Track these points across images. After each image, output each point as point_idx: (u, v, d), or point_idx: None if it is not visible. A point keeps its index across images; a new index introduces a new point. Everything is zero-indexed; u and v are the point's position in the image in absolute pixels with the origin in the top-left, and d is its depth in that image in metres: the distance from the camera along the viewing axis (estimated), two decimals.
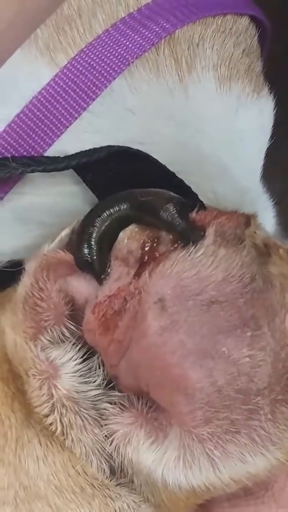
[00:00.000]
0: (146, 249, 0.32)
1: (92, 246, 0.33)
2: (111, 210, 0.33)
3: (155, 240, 0.32)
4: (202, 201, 0.41)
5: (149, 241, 0.32)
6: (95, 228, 0.33)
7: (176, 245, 0.31)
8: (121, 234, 0.33)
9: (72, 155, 0.40)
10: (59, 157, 0.40)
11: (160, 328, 0.29)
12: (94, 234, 0.33)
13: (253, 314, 0.28)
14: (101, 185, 0.41)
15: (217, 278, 0.28)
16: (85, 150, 0.40)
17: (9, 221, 0.41)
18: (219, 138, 0.43)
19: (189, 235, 0.30)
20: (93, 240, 0.33)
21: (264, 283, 0.28)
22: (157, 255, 0.31)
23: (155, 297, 0.29)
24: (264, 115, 0.46)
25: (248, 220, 0.30)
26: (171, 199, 0.31)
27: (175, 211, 0.30)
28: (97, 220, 0.33)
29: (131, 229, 0.32)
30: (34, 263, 0.34)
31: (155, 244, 0.31)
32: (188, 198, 0.41)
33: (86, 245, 0.33)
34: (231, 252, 0.29)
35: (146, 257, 0.32)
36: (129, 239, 0.32)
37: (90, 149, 0.40)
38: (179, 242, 0.30)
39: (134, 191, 0.32)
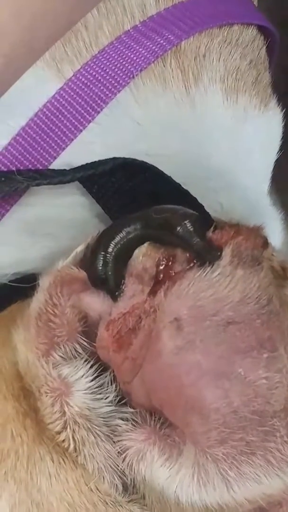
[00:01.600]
0: (161, 267, 0.32)
1: (107, 263, 0.33)
2: (127, 227, 0.33)
3: (171, 258, 0.32)
4: (208, 213, 0.42)
5: (164, 259, 0.32)
6: (111, 245, 0.33)
7: (192, 264, 0.31)
8: (136, 252, 0.33)
9: (78, 167, 0.40)
10: (64, 169, 0.40)
11: (175, 348, 0.29)
12: (110, 251, 0.33)
13: (269, 336, 0.28)
14: (107, 196, 0.42)
15: (234, 299, 0.29)
16: (91, 162, 0.41)
17: (15, 232, 0.42)
18: (226, 150, 0.44)
19: (206, 255, 0.30)
20: (108, 257, 0.33)
21: (280, 306, 0.29)
22: (173, 273, 0.31)
23: (171, 316, 0.30)
24: (272, 126, 0.46)
25: (265, 241, 0.30)
26: (189, 216, 0.31)
27: (192, 228, 0.30)
28: (113, 237, 0.33)
29: (147, 246, 0.33)
30: (48, 279, 0.34)
31: (170, 263, 0.32)
32: (194, 210, 0.42)
33: (101, 262, 0.33)
34: (248, 273, 0.29)
35: (161, 275, 0.32)
36: (144, 256, 0.32)
37: (95, 161, 0.41)
38: (195, 261, 0.31)
39: (150, 209, 0.33)
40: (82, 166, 0.40)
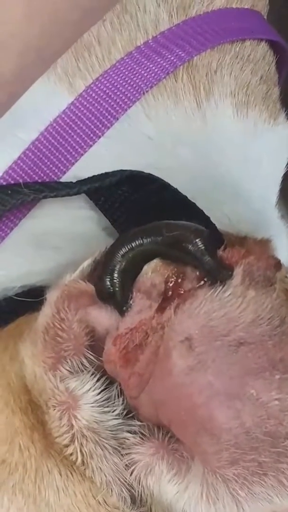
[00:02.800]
0: (170, 284, 0.31)
1: (115, 277, 0.32)
2: (137, 242, 0.32)
3: (180, 275, 0.31)
4: (214, 224, 0.41)
5: (173, 276, 0.31)
6: (119, 259, 0.32)
7: (202, 282, 0.30)
8: (145, 267, 0.32)
9: (84, 179, 0.40)
10: (71, 182, 0.40)
11: (187, 368, 0.28)
12: (118, 265, 0.32)
13: (282, 357, 0.27)
14: (113, 208, 0.41)
15: (246, 320, 0.28)
16: (97, 175, 0.40)
17: (24, 245, 0.41)
18: (235, 163, 0.43)
19: (217, 274, 0.29)
20: (116, 271, 0.32)
21: None
22: (182, 291, 0.31)
23: (182, 335, 0.29)
24: (281, 140, 0.45)
25: (278, 262, 0.29)
26: (200, 233, 0.30)
27: (203, 247, 0.30)
28: (121, 251, 0.32)
29: (156, 262, 0.32)
30: (56, 293, 0.34)
31: (179, 280, 0.31)
32: (200, 221, 0.41)
33: (108, 276, 0.32)
34: (261, 294, 0.28)
35: (170, 292, 0.31)
36: (154, 272, 0.31)
37: (102, 174, 0.40)
38: (206, 279, 0.30)
39: (161, 223, 0.32)
40: (89, 178, 0.39)
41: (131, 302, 0.32)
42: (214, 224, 0.40)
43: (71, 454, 0.33)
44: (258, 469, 0.27)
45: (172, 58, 0.40)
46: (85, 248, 0.40)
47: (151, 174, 0.39)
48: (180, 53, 0.40)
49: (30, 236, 0.41)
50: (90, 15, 0.33)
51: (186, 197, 0.40)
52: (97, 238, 0.41)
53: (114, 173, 0.39)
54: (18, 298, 0.40)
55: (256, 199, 0.45)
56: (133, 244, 0.32)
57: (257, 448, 0.27)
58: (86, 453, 0.33)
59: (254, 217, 0.44)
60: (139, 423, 0.33)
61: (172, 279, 0.31)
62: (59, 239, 0.41)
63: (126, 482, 0.33)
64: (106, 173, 0.39)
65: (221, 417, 0.28)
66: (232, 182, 0.43)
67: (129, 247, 0.32)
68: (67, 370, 0.34)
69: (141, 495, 0.33)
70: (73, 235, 0.41)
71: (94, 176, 0.39)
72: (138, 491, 0.33)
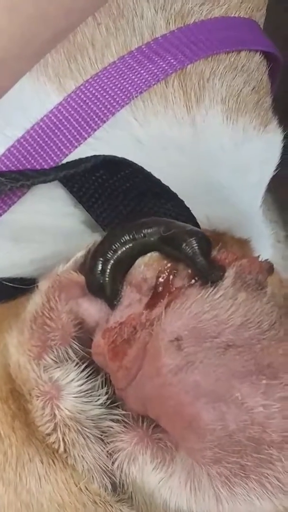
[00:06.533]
0: (162, 279, 0.29)
1: (106, 270, 0.30)
2: (131, 236, 0.29)
3: (172, 272, 0.29)
4: (188, 208, 0.38)
5: (165, 272, 0.29)
6: (112, 251, 0.30)
7: (193, 281, 0.28)
8: (138, 260, 0.29)
9: (59, 166, 0.37)
10: (46, 169, 0.37)
11: (175, 367, 0.26)
12: (110, 258, 0.30)
13: (270, 363, 0.25)
14: (88, 194, 0.38)
15: (235, 322, 0.26)
16: (72, 161, 0.37)
17: (4, 238, 0.38)
18: (224, 167, 0.41)
19: (209, 274, 0.27)
20: (107, 263, 0.30)
21: (285, 334, 0.26)
22: (172, 288, 0.28)
23: (171, 336, 0.26)
24: (269, 148, 0.43)
25: (271, 267, 0.27)
26: (195, 233, 0.28)
27: (197, 246, 0.27)
28: (114, 244, 0.30)
29: (150, 256, 0.29)
30: (47, 283, 0.31)
31: (171, 276, 0.28)
32: (175, 205, 0.38)
33: (100, 268, 0.30)
34: (251, 298, 0.26)
35: (161, 288, 0.29)
36: (146, 266, 0.29)
37: (76, 160, 0.37)
38: (197, 278, 0.28)
39: (157, 219, 0.29)
40: (64, 165, 0.36)
41: (121, 295, 0.30)
42: (188, 208, 0.37)
43: (53, 443, 0.31)
44: (241, 471, 0.25)
45: (164, 65, 0.37)
46: (65, 241, 0.38)
47: (125, 159, 0.36)
48: (172, 61, 0.38)
49: (8, 230, 0.38)
50: (75, 10, 0.30)
51: (160, 181, 0.37)
52: (77, 231, 0.39)
53: (88, 158, 0.36)
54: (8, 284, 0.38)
55: (241, 202, 0.42)
56: (127, 238, 0.30)
57: (240, 452, 0.25)
58: (68, 441, 0.30)
59: (238, 219, 0.42)
60: (123, 412, 0.31)
61: (164, 275, 0.29)
62: (38, 233, 0.38)
63: (107, 470, 0.31)
64: (80, 159, 0.36)
65: (206, 418, 0.25)
66: (219, 186, 0.41)
67: (123, 240, 0.30)
68: (52, 359, 0.31)
69: (122, 482, 0.31)
70: (53, 229, 0.38)
71: (68, 162, 0.36)
72: (119, 478, 0.31)
